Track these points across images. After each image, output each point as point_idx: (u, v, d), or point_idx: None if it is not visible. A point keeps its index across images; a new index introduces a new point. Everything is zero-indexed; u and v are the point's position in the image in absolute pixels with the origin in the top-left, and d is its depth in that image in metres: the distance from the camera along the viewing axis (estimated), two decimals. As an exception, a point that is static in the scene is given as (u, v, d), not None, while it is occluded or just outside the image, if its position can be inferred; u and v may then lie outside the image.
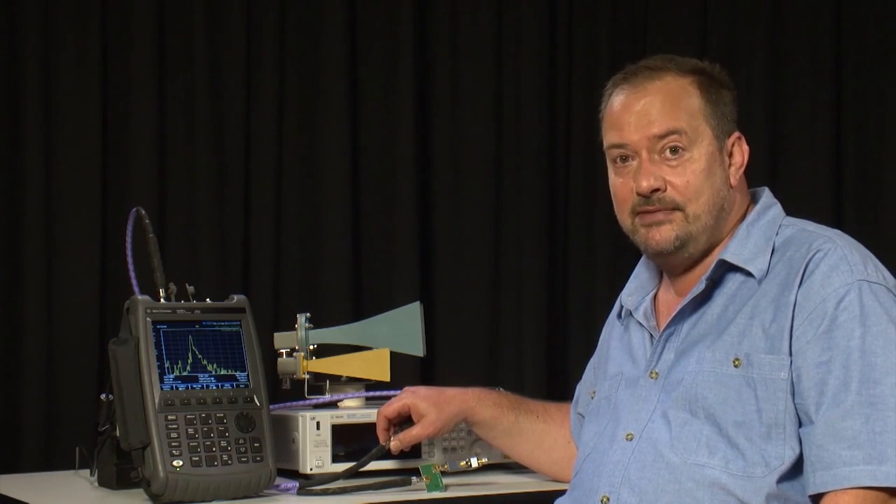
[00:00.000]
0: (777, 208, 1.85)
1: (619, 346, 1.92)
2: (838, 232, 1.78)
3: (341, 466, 2.13)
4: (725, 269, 1.79)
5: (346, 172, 3.42)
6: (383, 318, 2.40)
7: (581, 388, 2.10)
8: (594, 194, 3.64)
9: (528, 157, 3.61)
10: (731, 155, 1.82)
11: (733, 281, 1.79)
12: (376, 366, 2.29)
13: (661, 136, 1.79)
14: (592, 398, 1.95)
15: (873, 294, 1.68)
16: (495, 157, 3.60)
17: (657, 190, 1.79)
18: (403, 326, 2.37)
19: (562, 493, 1.91)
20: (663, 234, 1.81)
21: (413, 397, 2.11)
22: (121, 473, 2.10)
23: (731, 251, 1.79)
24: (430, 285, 3.51)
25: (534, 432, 2.13)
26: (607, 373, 1.92)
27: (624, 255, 3.69)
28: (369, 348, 2.35)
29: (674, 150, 1.79)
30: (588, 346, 2.15)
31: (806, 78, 3.67)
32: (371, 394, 2.29)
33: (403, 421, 2.12)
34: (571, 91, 3.66)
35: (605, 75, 3.75)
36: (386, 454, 2.13)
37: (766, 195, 1.86)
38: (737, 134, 1.83)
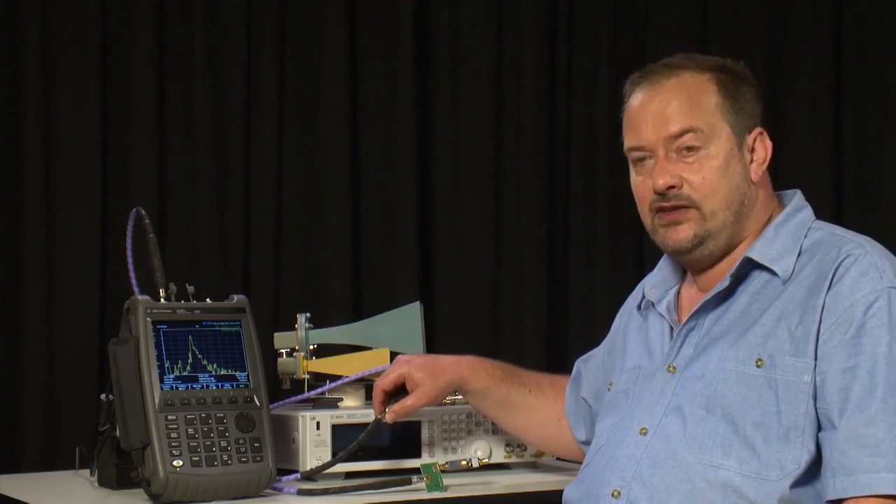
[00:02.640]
0: (807, 211, 1.84)
1: (637, 339, 1.92)
2: (868, 238, 1.77)
3: (341, 466, 2.13)
4: (751, 266, 1.79)
5: (346, 172, 3.42)
6: (383, 318, 2.40)
7: (586, 370, 2.10)
8: (594, 194, 3.64)
9: (528, 157, 3.61)
10: (752, 150, 1.82)
11: (758, 279, 1.78)
12: (376, 366, 2.29)
13: (677, 135, 1.80)
14: (609, 390, 1.94)
15: None
16: (495, 157, 3.59)
17: (673, 187, 1.80)
18: (403, 326, 2.37)
19: (561, 492, 1.91)
20: (681, 233, 1.81)
21: (408, 367, 2.10)
22: (121, 473, 2.10)
23: (758, 250, 1.78)
24: (430, 285, 3.51)
25: (525, 406, 2.13)
26: (625, 366, 1.92)
27: (623, 254, 3.71)
28: (369, 348, 2.35)
29: (690, 147, 1.80)
30: (588, 345, 2.15)
31: (806, 77, 3.67)
32: (358, 376, 2.27)
33: (399, 391, 2.12)
34: (571, 91, 3.66)
35: (605, 75, 3.78)
36: (385, 452, 2.14)
37: (798, 198, 1.86)
38: (759, 129, 1.83)
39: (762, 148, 1.83)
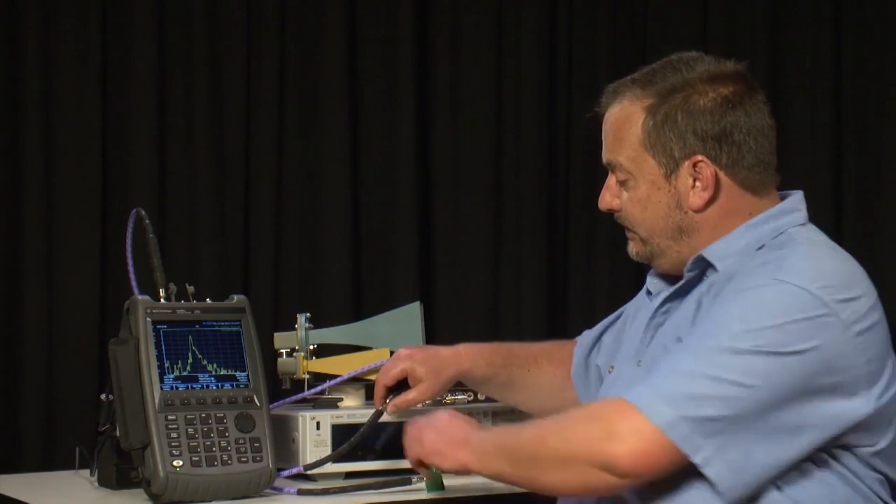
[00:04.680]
0: (796, 215, 1.81)
1: (638, 325, 1.93)
2: (822, 251, 1.74)
3: (341, 466, 2.14)
4: (706, 264, 1.79)
5: (346, 172, 3.42)
6: (383, 318, 2.40)
7: (607, 337, 2.10)
8: (594, 194, 3.59)
9: (528, 157, 3.61)
10: (695, 177, 1.78)
11: (713, 276, 1.78)
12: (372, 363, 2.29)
13: (608, 166, 1.85)
14: (610, 373, 1.96)
15: (779, 290, 1.64)
16: (495, 157, 3.60)
17: (613, 210, 1.86)
18: (403, 326, 2.37)
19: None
20: (630, 249, 1.89)
21: (410, 362, 2.12)
22: (121, 473, 2.10)
23: (714, 247, 1.78)
24: (430, 285, 3.51)
25: (526, 385, 2.17)
26: (622, 351, 1.94)
27: (624, 254, 3.69)
28: (369, 348, 2.35)
29: (621, 180, 1.84)
30: (588, 345, 2.16)
31: (806, 78, 3.67)
32: (353, 374, 2.27)
33: (399, 386, 2.13)
34: (571, 91, 3.66)
35: (605, 75, 3.77)
36: (386, 452, 2.14)
37: (790, 200, 1.83)
38: (698, 157, 1.77)
39: (707, 174, 1.77)
